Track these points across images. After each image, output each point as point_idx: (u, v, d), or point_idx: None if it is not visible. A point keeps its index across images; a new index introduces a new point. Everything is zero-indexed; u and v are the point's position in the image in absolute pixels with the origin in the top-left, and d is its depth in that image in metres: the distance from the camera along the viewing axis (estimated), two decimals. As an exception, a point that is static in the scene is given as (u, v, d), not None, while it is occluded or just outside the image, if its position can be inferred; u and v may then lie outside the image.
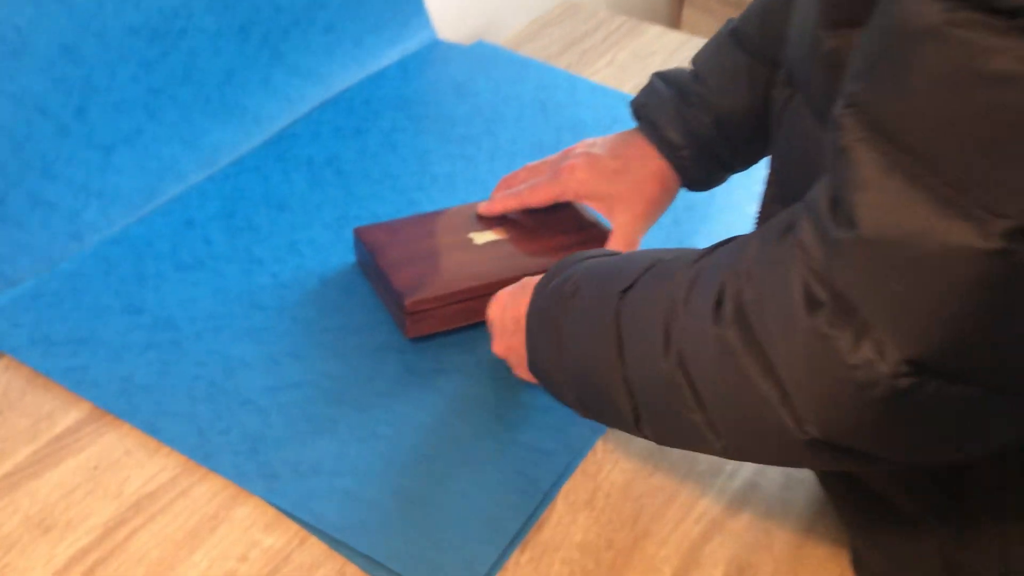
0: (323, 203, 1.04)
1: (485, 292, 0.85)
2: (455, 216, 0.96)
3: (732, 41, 0.85)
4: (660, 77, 0.89)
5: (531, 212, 0.95)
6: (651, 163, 0.87)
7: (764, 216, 0.72)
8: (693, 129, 0.85)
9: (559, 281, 0.69)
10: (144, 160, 1.02)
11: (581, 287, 0.66)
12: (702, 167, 0.87)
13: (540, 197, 0.91)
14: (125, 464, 0.77)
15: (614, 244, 0.89)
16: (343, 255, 0.97)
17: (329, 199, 1.05)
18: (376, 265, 0.90)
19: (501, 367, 0.84)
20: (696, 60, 0.88)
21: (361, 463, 0.77)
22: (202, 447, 0.78)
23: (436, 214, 0.97)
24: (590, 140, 0.92)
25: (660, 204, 0.89)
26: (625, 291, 0.61)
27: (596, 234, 0.92)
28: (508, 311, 0.77)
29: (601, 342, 0.61)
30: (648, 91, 0.89)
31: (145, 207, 1.01)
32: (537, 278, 0.74)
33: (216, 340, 0.87)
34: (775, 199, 0.69)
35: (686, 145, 0.86)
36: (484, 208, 0.94)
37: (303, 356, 0.86)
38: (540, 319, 0.70)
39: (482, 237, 0.92)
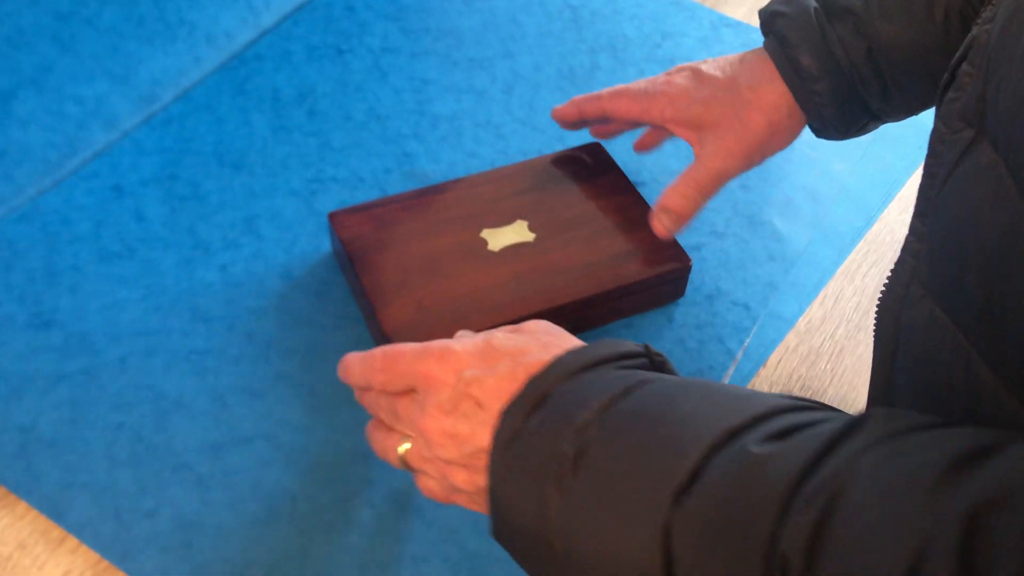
0: (291, 158, 0.81)
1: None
2: (464, 197, 0.73)
3: None
4: None
5: (573, 199, 0.72)
6: (768, 89, 0.66)
7: (896, 292, 0.48)
8: (837, 56, 0.63)
9: (556, 417, 0.43)
10: (56, 105, 0.79)
11: (594, 448, 0.41)
12: (839, 107, 0.65)
13: (622, 107, 0.71)
14: (19, 565, 0.58)
15: (682, 185, 0.68)
16: (315, 238, 0.75)
17: (299, 152, 0.82)
18: (359, 281, 0.68)
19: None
20: None
21: (334, 570, 0.58)
22: (119, 541, 0.58)
23: (436, 191, 0.74)
24: (706, 59, 0.71)
25: (766, 144, 0.67)
26: (681, 494, 0.38)
27: (667, 255, 0.70)
28: (471, 388, 0.48)
29: (629, 568, 0.39)
30: None
31: (60, 170, 0.78)
32: (533, 358, 0.47)
33: (145, 369, 0.67)
34: (918, 275, 0.46)
35: (823, 75, 0.64)
36: (559, 109, 0.75)
37: (258, 394, 0.66)
38: (518, 476, 0.44)
39: (500, 237, 0.70)
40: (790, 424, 0.39)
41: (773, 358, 0.70)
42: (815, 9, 0.64)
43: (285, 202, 0.78)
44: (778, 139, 0.68)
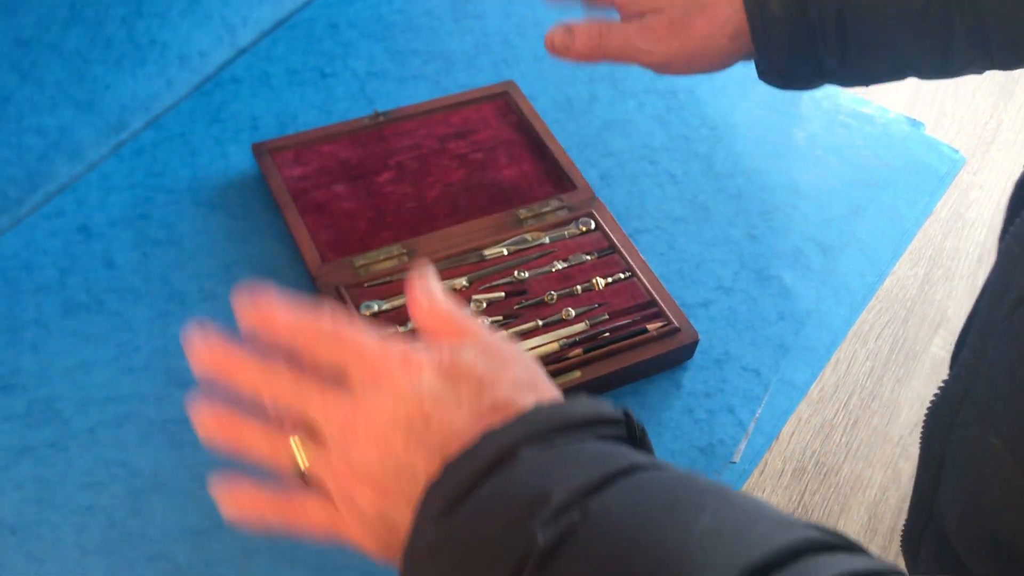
0: (271, 197, 0.76)
1: None
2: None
3: None
4: None
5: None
6: (724, 5, 0.62)
7: (946, 408, 0.45)
8: (808, 6, 0.59)
9: (520, 490, 0.36)
10: (15, 138, 0.72)
11: (577, 545, 0.34)
12: (791, 55, 0.61)
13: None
14: (-21, 671, 0.53)
15: (596, 30, 0.64)
16: (299, 288, 0.70)
17: (281, 189, 0.76)
18: None
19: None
20: None
21: (322, 675, 0.54)
22: (91, 644, 0.54)
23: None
24: None
25: (696, 54, 0.63)
26: None
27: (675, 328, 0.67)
28: (425, 405, 0.40)
29: None
30: None
31: (20, 207, 0.72)
32: (501, 395, 0.41)
33: (117, 441, 0.62)
34: (972, 396, 0.42)
35: (786, 21, 0.60)
36: (557, 38, 0.66)
37: (241, 470, 0.61)
38: (457, 551, 0.36)
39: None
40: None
41: (786, 430, 0.67)
42: None
43: (266, 247, 0.73)
44: (711, 57, 0.64)
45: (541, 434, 0.37)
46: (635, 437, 0.40)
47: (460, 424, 0.39)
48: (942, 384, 0.46)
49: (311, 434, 0.43)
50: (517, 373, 0.42)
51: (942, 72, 0.59)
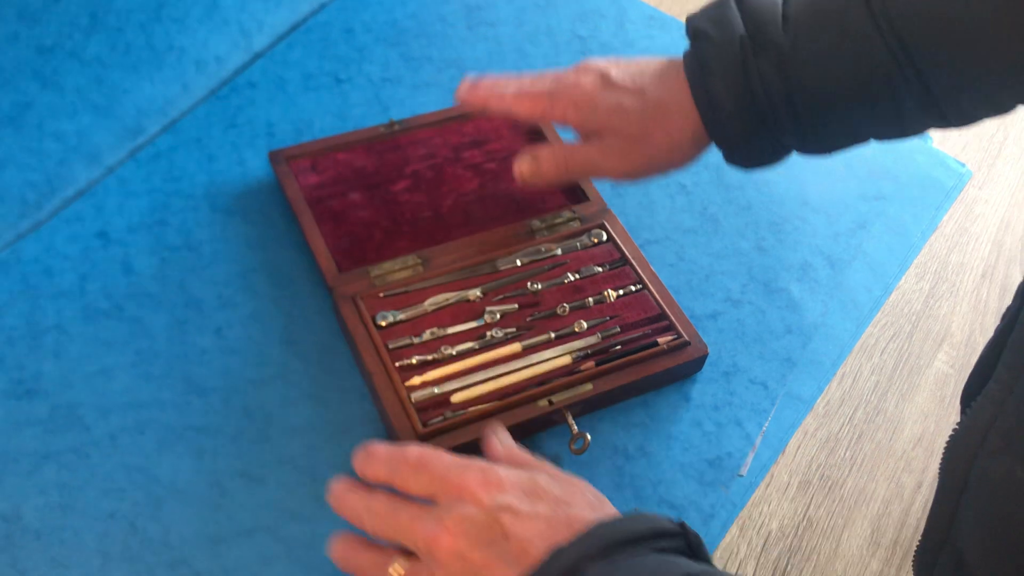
0: (287, 204, 0.77)
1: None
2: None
3: None
4: (737, 2, 0.62)
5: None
6: (677, 112, 0.63)
7: (970, 437, 0.45)
8: (756, 92, 0.60)
9: None
10: (36, 143, 0.73)
11: None
12: (748, 141, 0.62)
13: (525, 107, 0.68)
14: (5, 674, 0.55)
15: (561, 154, 0.67)
16: (316, 298, 0.71)
17: (296, 196, 0.77)
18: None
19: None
20: None
21: None
22: (115, 650, 0.56)
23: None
24: (621, 59, 0.68)
25: (662, 163, 0.65)
26: None
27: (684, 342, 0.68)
28: (503, 516, 0.47)
29: None
30: (714, 12, 0.63)
31: (39, 211, 0.73)
32: (575, 512, 0.47)
33: (137, 448, 0.63)
34: (999, 426, 0.43)
35: (738, 110, 0.60)
36: (463, 94, 0.70)
37: (258, 479, 0.63)
38: None
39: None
40: None
41: (792, 444, 0.68)
42: (742, 38, 0.60)
43: (283, 254, 0.74)
44: (677, 159, 0.65)
45: (604, 550, 0.42)
46: (692, 546, 0.44)
47: (536, 539, 0.44)
48: (966, 412, 0.47)
49: (409, 554, 0.49)
50: (587, 496, 0.48)
51: (901, 135, 0.59)
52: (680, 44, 0.92)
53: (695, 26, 0.63)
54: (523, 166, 0.68)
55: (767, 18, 0.59)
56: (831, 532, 0.64)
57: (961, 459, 0.46)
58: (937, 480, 0.49)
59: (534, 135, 0.81)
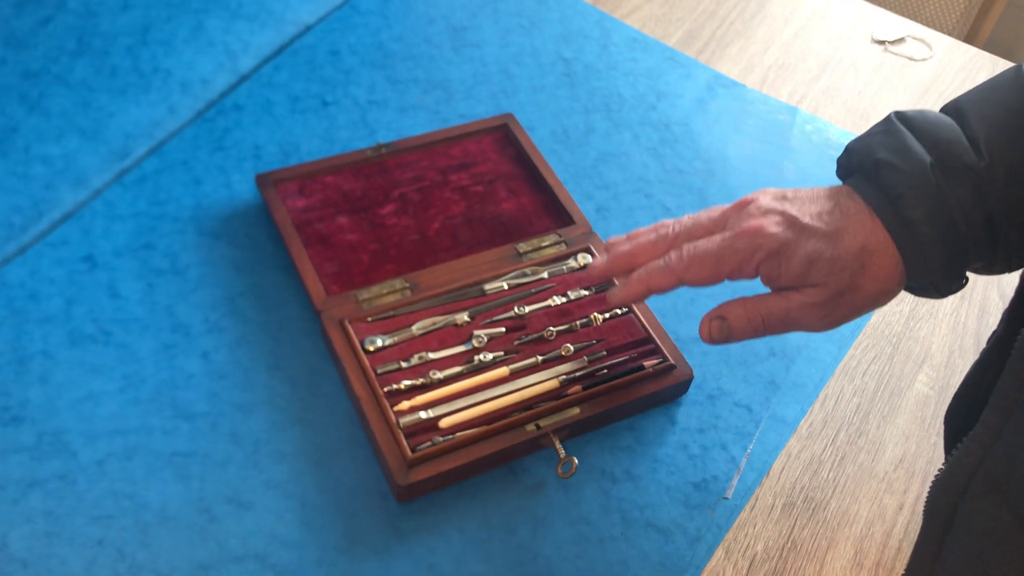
0: (275, 227, 0.77)
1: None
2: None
3: None
4: (907, 126, 0.56)
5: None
6: (883, 255, 0.56)
7: (956, 479, 0.46)
8: (956, 220, 0.54)
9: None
10: (21, 168, 0.73)
11: None
12: (946, 271, 0.56)
13: (707, 271, 0.58)
14: None
15: (754, 307, 0.59)
16: (302, 321, 0.72)
17: (283, 219, 0.78)
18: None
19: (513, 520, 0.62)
20: (966, 113, 0.56)
21: None
22: None
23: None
24: (771, 191, 0.60)
25: (868, 308, 0.58)
26: None
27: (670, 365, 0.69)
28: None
29: None
30: (887, 140, 0.56)
31: (25, 235, 0.73)
32: None
33: (125, 474, 0.63)
34: (986, 470, 0.43)
35: (939, 240, 0.54)
36: (617, 296, 0.62)
37: (247, 505, 0.63)
38: None
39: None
40: None
41: (776, 466, 0.69)
42: (931, 165, 0.54)
43: (270, 278, 0.74)
44: (880, 302, 0.58)
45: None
46: None
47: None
48: (952, 454, 0.47)
49: None
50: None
51: None
52: (662, 68, 0.94)
53: (874, 158, 0.56)
54: (712, 331, 0.60)
55: (951, 141, 0.55)
56: (815, 554, 0.65)
57: (946, 500, 0.46)
58: (922, 510, 0.49)
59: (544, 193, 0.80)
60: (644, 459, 0.68)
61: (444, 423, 0.65)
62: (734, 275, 0.58)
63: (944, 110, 0.57)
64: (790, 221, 0.56)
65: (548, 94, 0.90)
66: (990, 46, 1.69)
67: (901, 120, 0.57)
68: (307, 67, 0.88)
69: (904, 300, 0.80)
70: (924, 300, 0.80)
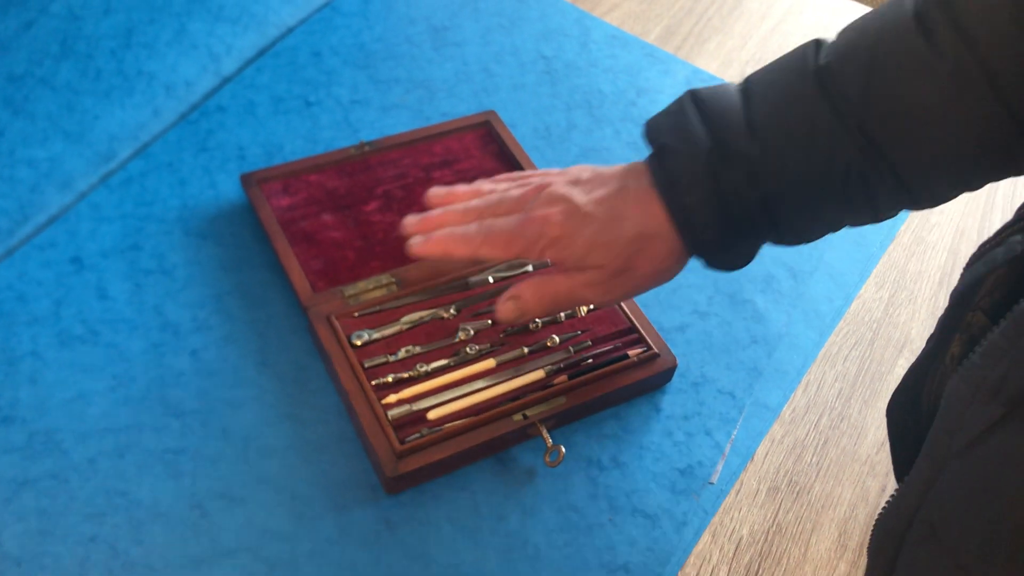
0: (260, 226, 0.77)
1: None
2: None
3: (817, 89, 0.55)
4: (697, 108, 0.58)
5: None
6: (657, 237, 0.59)
7: (897, 522, 0.46)
8: (731, 204, 0.57)
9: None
10: (7, 171, 0.74)
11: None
12: (728, 248, 0.59)
13: (497, 253, 0.62)
14: None
15: (543, 287, 0.62)
16: (289, 318, 0.72)
17: (269, 218, 0.78)
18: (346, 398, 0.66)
19: (502, 506, 0.63)
20: (752, 95, 0.57)
21: None
22: (99, 673, 0.56)
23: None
24: (573, 171, 0.64)
25: (647, 285, 0.62)
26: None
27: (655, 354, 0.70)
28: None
29: None
30: (674, 122, 0.59)
31: (12, 238, 0.74)
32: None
33: (117, 471, 0.64)
34: (925, 515, 0.44)
35: (715, 223, 0.57)
36: (419, 248, 0.63)
37: (238, 499, 0.63)
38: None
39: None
40: None
41: (760, 451, 0.70)
42: (708, 152, 0.56)
43: (256, 276, 0.74)
44: (663, 279, 0.62)
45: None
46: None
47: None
48: (892, 496, 0.47)
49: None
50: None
51: (875, 220, 0.58)
52: (642, 64, 0.95)
53: (659, 142, 0.59)
54: (507, 310, 0.62)
55: (731, 126, 0.57)
56: (800, 536, 0.66)
57: (889, 543, 0.46)
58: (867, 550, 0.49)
59: (503, 157, 0.82)
60: (630, 446, 0.69)
61: (432, 415, 0.65)
62: (522, 256, 0.61)
63: (741, 85, 0.59)
64: (572, 211, 0.60)
65: (529, 92, 0.91)
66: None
67: (694, 100, 0.59)
68: (289, 68, 0.89)
69: (883, 287, 0.81)
70: (903, 287, 0.81)
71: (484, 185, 0.67)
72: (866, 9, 1.06)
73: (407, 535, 0.63)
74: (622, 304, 0.73)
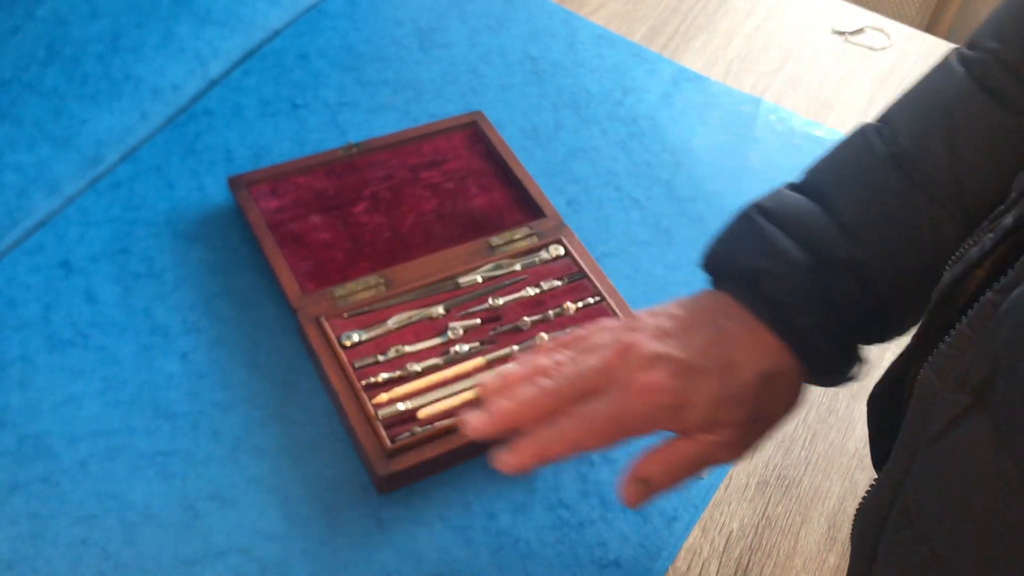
0: (248, 229, 0.77)
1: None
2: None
3: (896, 170, 0.53)
4: (772, 223, 0.54)
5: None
6: (777, 371, 0.53)
7: (875, 512, 0.46)
8: (843, 314, 0.53)
9: None
10: (-4, 176, 0.74)
11: None
12: (845, 363, 0.55)
13: (604, 440, 0.52)
14: None
15: (667, 454, 0.53)
16: (278, 320, 0.72)
17: (258, 221, 0.78)
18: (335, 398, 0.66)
19: (496, 505, 0.63)
20: (828, 197, 0.54)
21: None
22: (92, 675, 0.56)
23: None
24: (645, 321, 0.54)
25: (779, 425, 0.55)
26: None
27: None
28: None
29: None
30: (754, 246, 0.54)
31: (0, 243, 0.73)
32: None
33: (108, 474, 0.64)
34: (901, 506, 0.44)
35: (828, 336, 0.52)
36: (510, 465, 0.53)
37: (230, 501, 0.63)
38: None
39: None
40: None
41: (749, 446, 0.71)
42: (810, 265, 0.52)
43: (245, 278, 0.75)
44: (794, 413, 0.56)
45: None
46: None
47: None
48: (872, 485, 0.48)
49: None
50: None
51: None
52: (628, 64, 0.95)
53: (747, 265, 0.54)
54: (635, 494, 0.54)
55: (823, 234, 0.53)
56: (790, 530, 0.67)
57: (869, 532, 0.46)
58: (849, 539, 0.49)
59: (492, 161, 0.82)
60: (622, 446, 0.69)
61: (422, 414, 0.66)
62: (636, 436, 0.52)
63: (799, 189, 0.56)
64: (679, 370, 0.51)
65: (517, 92, 0.91)
66: (952, 37, 1.73)
67: (763, 215, 0.54)
68: (276, 71, 0.89)
69: (870, 282, 0.82)
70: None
71: (541, 360, 0.55)
72: (852, 7, 1.07)
73: (398, 534, 0.63)
74: (611, 302, 0.73)
